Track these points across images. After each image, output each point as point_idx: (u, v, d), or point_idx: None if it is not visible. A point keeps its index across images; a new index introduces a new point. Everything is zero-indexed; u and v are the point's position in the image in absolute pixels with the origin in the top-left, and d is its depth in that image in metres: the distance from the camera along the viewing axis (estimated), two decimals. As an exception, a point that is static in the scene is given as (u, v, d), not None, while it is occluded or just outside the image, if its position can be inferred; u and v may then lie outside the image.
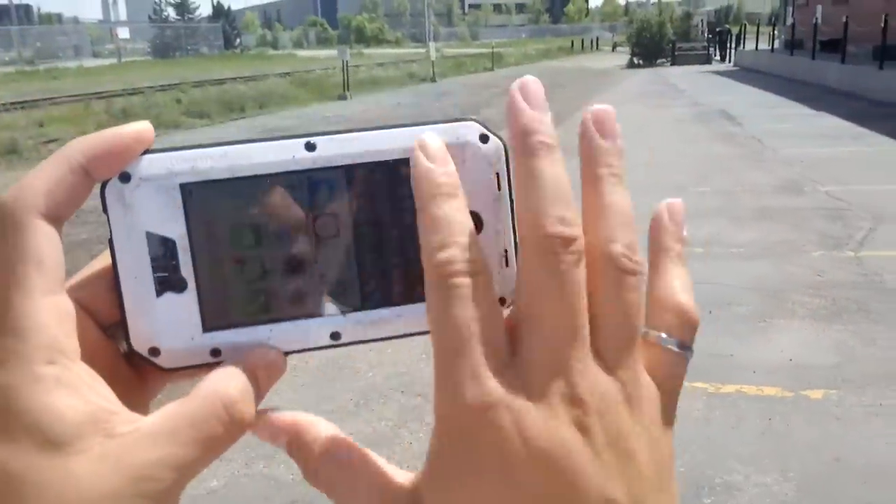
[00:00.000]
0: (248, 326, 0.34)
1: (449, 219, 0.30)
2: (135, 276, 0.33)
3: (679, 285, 0.32)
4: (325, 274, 0.35)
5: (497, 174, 0.35)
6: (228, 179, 0.33)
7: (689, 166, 8.26)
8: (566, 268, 0.29)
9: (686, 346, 0.32)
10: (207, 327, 0.34)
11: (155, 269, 0.33)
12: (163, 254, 0.33)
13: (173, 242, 0.33)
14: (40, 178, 0.31)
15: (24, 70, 31.80)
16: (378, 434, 3.09)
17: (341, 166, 0.34)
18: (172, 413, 0.30)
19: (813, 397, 3.28)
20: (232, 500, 2.72)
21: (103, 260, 0.34)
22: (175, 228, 0.33)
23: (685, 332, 0.32)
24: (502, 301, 0.35)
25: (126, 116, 13.00)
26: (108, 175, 0.32)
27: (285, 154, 0.34)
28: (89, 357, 0.31)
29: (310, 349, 0.35)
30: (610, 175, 0.31)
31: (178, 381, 0.36)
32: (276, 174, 0.34)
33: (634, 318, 0.30)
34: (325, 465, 0.34)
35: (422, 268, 0.34)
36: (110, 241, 0.33)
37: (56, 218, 0.31)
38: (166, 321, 0.33)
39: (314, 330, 0.35)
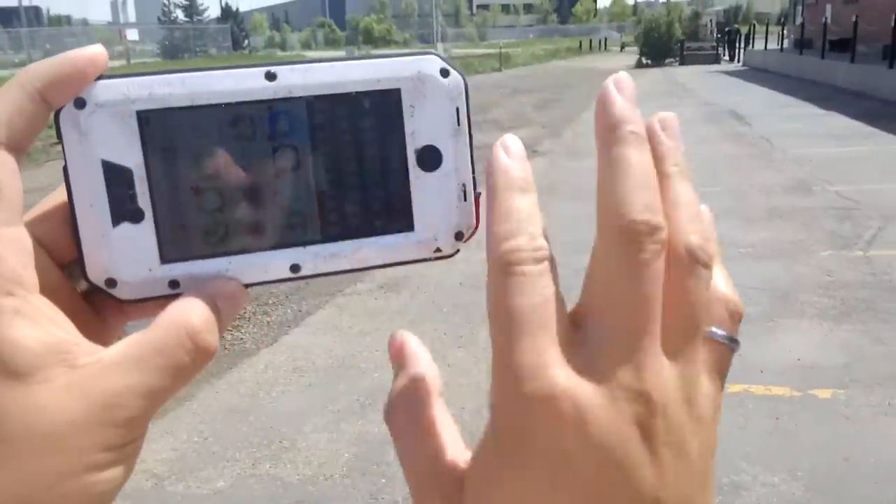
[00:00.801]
0: (207, 258, 0.34)
1: (519, 210, 0.29)
2: (90, 205, 0.32)
3: (723, 279, 0.32)
4: (284, 205, 0.35)
5: (457, 109, 0.35)
6: (187, 107, 0.33)
7: (700, 166, 8.23)
8: (649, 257, 0.28)
9: (735, 340, 0.32)
10: (165, 259, 0.34)
11: (111, 199, 0.33)
12: (119, 183, 0.33)
13: (130, 171, 0.33)
14: None
15: (35, 72, 31.86)
16: (384, 435, 3.07)
17: (302, 97, 0.34)
18: (136, 341, 0.30)
19: (821, 397, 3.27)
20: (238, 501, 2.73)
21: (59, 194, 0.33)
22: (132, 157, 0.33)
23: (733, 325, 0.32)
24: (459, 235, 0.36)
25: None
26: (64, 101, 0.32)
27: (245, 83, 0.33)
28: (47, 294, 0.30)
29: (270, 281, 0.35)
30: (679, 173, 0.31)
31: (137, 321, 0.36)
32: (236, 103, 0.33)
33: (703, 313, 0.30)
34: (401, 412, 0.34)
35: (383, 200, 0.34)
36: (65, 170, 0.32)
37: (16, 147, 0.30)
38: (123, 252, 0.33)
39: (273, 261, 0.35)
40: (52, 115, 0.32)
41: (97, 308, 0.35)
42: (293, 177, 0.34)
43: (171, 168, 0.33)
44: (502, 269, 0.28)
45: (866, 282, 4.59)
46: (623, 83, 0.31)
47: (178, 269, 0.34)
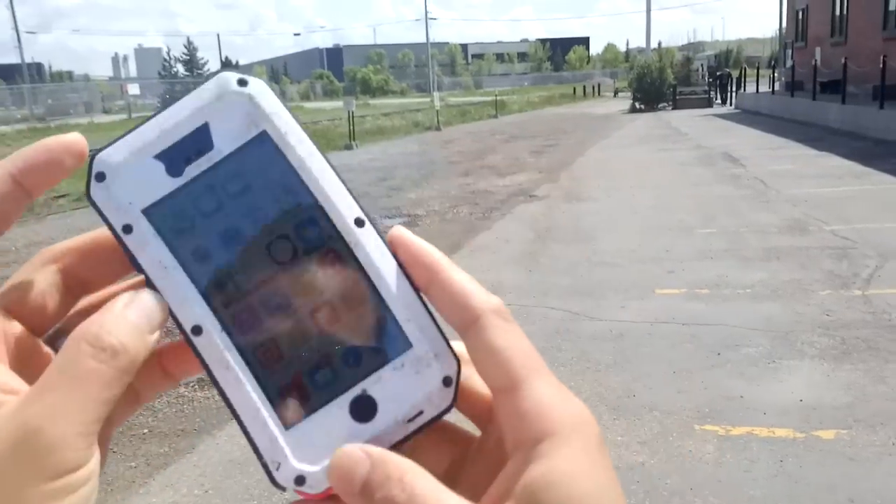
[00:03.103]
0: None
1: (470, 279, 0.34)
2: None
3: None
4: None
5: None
6: None
7: (695, 208, 8.29)
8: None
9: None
10: None
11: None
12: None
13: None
14: None
15: (36, 127, 32.12)
16: (387, 483, 3.06)
17: None
18: (46, 370, 0.30)
19: (825, 438, 3.25)
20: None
21: (33, 268, 0.34)
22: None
23: None
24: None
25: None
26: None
27: None
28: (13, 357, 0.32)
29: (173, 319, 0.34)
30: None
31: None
32: None
33: None
34: None
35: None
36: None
37: None
38: None
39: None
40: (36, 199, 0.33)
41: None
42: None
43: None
44: (503, 317, 0.32)
45: (866, 321, 4.60)
46: None
47: None
